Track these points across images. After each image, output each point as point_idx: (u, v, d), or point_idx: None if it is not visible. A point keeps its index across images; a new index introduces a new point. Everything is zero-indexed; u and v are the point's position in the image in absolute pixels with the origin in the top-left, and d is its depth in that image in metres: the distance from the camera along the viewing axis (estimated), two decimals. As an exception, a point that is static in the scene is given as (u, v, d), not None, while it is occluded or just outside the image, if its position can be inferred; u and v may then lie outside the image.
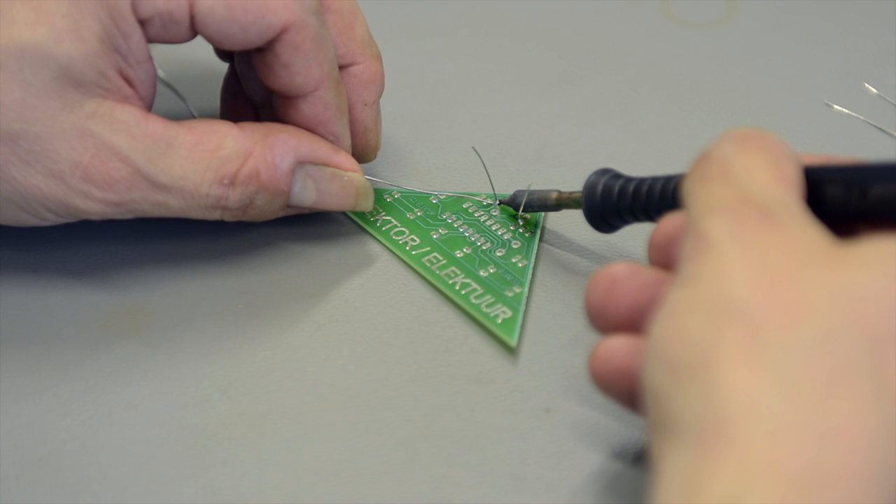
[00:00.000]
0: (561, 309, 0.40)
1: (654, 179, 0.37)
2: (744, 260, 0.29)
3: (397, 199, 0.44)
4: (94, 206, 0.37)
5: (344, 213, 0.43)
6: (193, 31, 0.38)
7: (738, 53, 0.52)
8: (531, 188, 0.42)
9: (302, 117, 0.40)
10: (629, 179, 0.38)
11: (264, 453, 0.36)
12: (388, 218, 0.43)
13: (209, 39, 0.38)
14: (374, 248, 0.42)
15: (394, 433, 0.36)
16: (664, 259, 0.34)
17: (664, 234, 0.34)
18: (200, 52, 0.47)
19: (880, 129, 0.47)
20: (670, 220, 0.34)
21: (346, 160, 0.41)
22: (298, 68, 0.39)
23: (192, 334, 0.39)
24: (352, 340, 0.39)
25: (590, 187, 0.39)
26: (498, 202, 0.43)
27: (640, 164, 0.46)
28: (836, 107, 0.48)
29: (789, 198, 0.30)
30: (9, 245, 0.41)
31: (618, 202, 0.38)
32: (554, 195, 0.41)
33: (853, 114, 0.47)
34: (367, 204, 0.41)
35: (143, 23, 0.37)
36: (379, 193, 0.44)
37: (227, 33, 0.38)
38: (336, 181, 0.40)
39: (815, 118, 0.48)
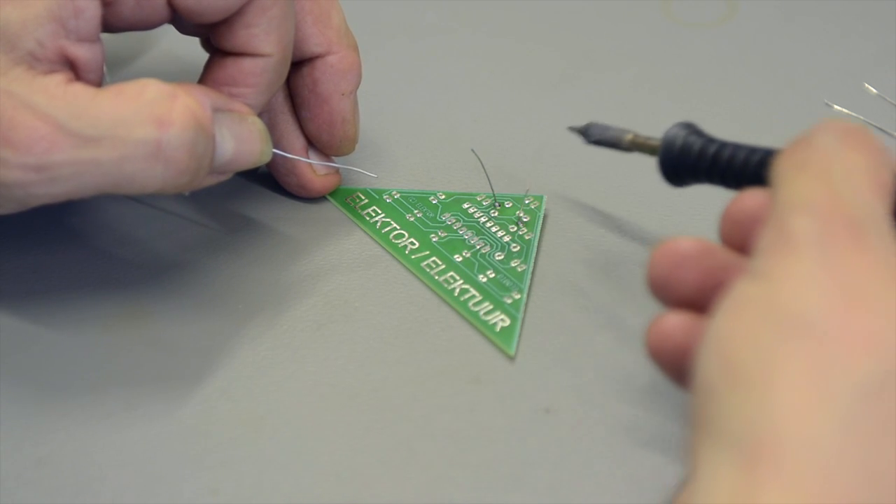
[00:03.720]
0: (561, 309, 0.40)
1: (737, 147, 0.36)
2: (826, 273, 0.27)
3: (397, 199, 0.44)
4: (11, 174, 0.34)
5: (344, 214, 0.43)
6: (170, 7, 0.37)
7: (738, 53, 0.52)
8: (606, 124, 0.41)
9: (237, 72, 0.39)
10: (711, 140, 0.37)
11: (264, 453, 0.36)
12: (388, 220, 0.43)
13: (187, 13, 0.37)
14: (374, 248, 0.42)
15: (394, 433, 0.36)
16: (737, 236, 0.33)
17: (742, 211, 0.33)
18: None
19: (880, 129, 0.47)
20: (751, 197, 0.33)
21: (242, 105, 0.39)
22: (259, 31, 0.38)
23: (192, 334, 0.39)
24: (352, 340, 0.39)
25: (670, 141, 0.38)
26: (571, 129, 0.42)
27: (640, 164, 0.46)
28: (836, 107, 0.47)
29: (880, 211, 0.29)
30: (9, 245, 0.41)
31: (696, 161, 0.37)
32: (629, 137, 0.40)
33: (853, 114, 0.47)
34: (268, 149, 0.39)
35: (113, 2, 0.36)
36: (378, 194, 0.44)
37: (209, 1, 0.37)
38: (243, 124, 0.38)
39: (815, 118, 0.48)
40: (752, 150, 0.36)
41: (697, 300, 0.32)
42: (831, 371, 0.26)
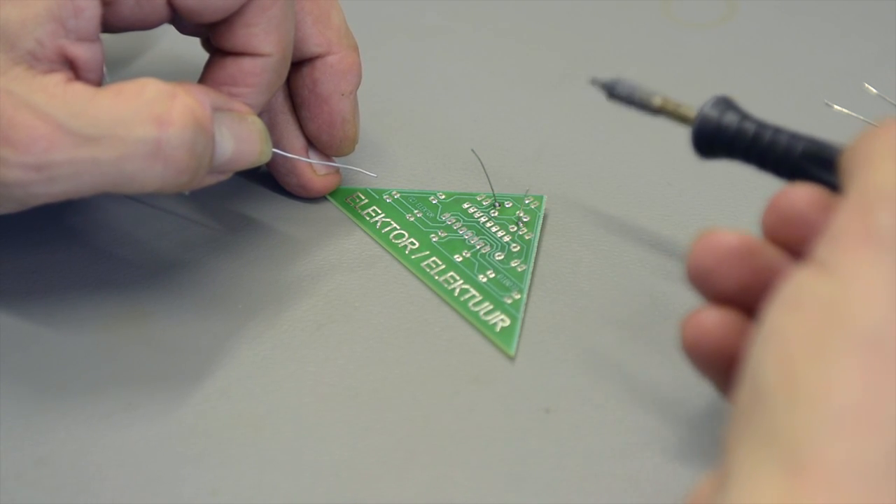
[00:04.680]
0: (561, 309, 0.40)
1: (778, 131, 0.35)
2: None
3: (397, 199, 0.44)
4: (11, 173, 0.34)
5: (344, 214, 0.43)
6: (170, 7, 0.37)
7: (738, 53, 0.52)
8: (635, 82, 0.39)
9: (237, 71, 0.39)
10: (748, 118, 0.36)
11: (264, 453, 0.36)
12: (388, 220, 0.43)
13: (187, 13, 0.38)
14: (374, 248, 0.42)
15: (394, 433, 0.36)
16: (782, 232, 0.31)
17: (791, 207, 0.31)
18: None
19: (880, 130, 0.47)
20: (801, 193, 0.31)
21: (242, 105, 0.39)
22: (259, 30, 0.38)
23: (192, 334, 0.39)
24: (352, 340, 0.39)
25: (706, 115, 0.37)
26: (595, 81, 0.40)
27: (640, 164, 0.46)
28: (836, 107, 0.47)
29: None
30: (9, 246, 0.41)
31: (732, 140, 0.36)
32: (658, 101, 0.38)
33: (853, 114, 0.47)
34: (268, 149, 0.39)
35: (113, 2, 0.36)
36: (378, 194, 0.44)
37: (209, 0, 0.37)
38: (243, 123, 0.38)
39: (815, 118, 0.48)
40: (795, 137, 0.35)
41: (738, 297, 0.31)
42: (891, 393, 0.25)
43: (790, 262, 0.30)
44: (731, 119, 0.36)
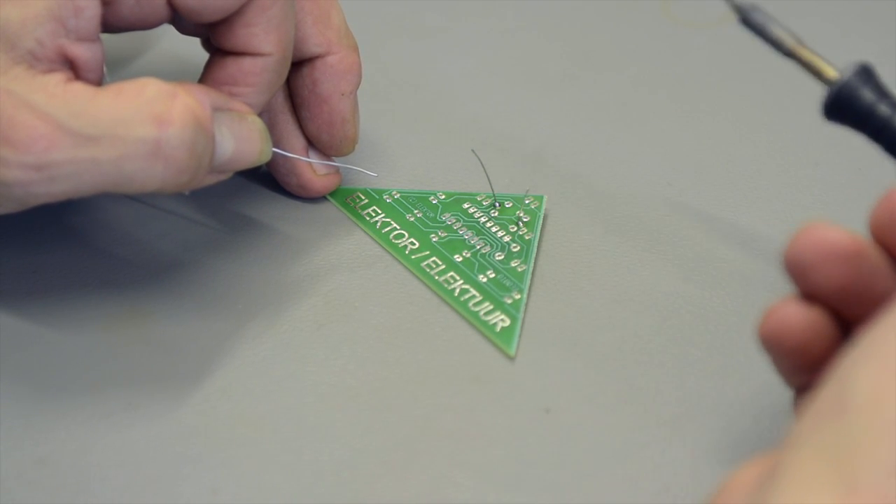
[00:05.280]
0: (561, 309, 0.40)
1: None
2: None
3: (397, 199, 0.44)
4: (11, 173, 0.34)
5: (344, 214, 0.43)
6: (170, 7, 0.37)
7: (738, 53, 0.52)
8: (773, 16, 0.37)
9: (237, 71, 0.39)
10: (887, 96, 0.34)
11: (264, 453, 0.36)
12: (388, 220, 0.43)
13: (187, 12, 0.37)
14: (374, 248, 0.42)
15: (394, 433, 0.36)
16: (892, 235, 0.30)
17: None
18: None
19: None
20: None
21: (243, 105, 0.39)
22: (259, 30, 0.38)
23: (191, 334, 0.39)
24: (352, 340, 0.39)
25: (848, 85, 0.35)
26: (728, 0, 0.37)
27: (640, 165, 0.46)
28: (836, 107, 0.47)
29: None
30: (9, 245, 0.41)
31: (865, 118, 0.34)
32: (791, 43, 0.36)
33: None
34: (268, 149, 0.39)
35: (112, 2, 0.36)
36: (378, 194, 0.44)
37: (209, 0, 0.37)
38: (243, 123, 0.38)
39: (815, 118, 0.48)
40: None
41: (833, 297, 0.30)
42: None
43: None
44: (868, 96, 0.34)
